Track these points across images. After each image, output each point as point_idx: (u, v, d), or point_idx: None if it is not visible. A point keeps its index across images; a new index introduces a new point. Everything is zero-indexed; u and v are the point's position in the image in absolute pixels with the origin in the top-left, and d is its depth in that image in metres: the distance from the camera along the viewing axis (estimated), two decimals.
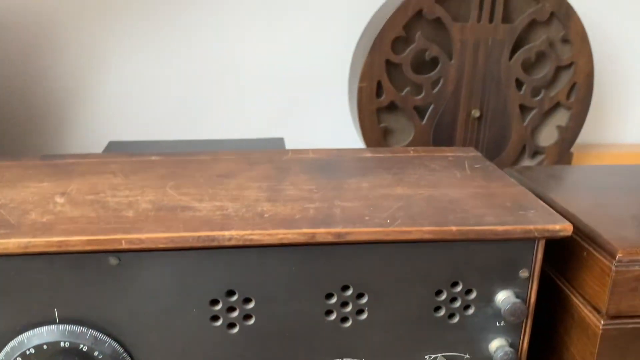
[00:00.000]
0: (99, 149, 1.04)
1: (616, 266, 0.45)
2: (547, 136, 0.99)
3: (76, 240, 0.40)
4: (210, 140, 0.97)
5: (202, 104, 1.09)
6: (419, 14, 0.88)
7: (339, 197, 0.48)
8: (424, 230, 0.43)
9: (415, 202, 0.48)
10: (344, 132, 1.13)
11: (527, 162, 1.00)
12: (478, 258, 0.45)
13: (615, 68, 1.16)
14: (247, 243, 0.42)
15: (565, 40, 0.93)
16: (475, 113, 0.94)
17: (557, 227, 0.44)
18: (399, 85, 0.93)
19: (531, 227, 0.44)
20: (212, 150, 0.60)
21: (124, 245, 0.40)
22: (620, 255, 0.45)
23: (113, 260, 0.42)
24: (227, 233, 0.41)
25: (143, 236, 0.41)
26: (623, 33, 1.14)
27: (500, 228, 0.44)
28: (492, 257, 0.45)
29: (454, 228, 0.43)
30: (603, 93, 1.16)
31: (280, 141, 0.96)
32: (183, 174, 0.53)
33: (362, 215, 0.45)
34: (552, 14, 0.91)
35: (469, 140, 0.96)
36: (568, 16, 0.91)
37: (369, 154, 0.60)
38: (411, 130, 0.95)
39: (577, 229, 0.49)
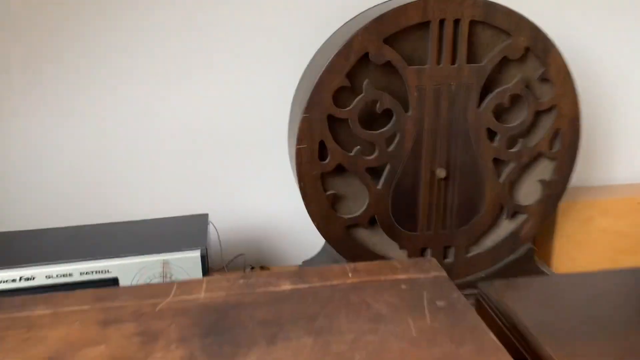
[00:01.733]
0: None
1: None
2: (529, 193, 0.83)
3: None
4: (119, 222, 0.78)
5: (110, 179, 0.91)
6: (364, 58, 0.71)
7: None
8: None
9: None
10: (287, 201, 0.96)
11: (505, 224, 0.83)
12: None
13: (603, 105, 1.00)
14: None
15: (544, 80, 0.77)
16: (441, 173, 0.77)
17: None
18: (346, 145, 0.76)
19: None
20: (61, 295, 0.42)
21: None
22: None
23: None
24: None
25: None
26: (609, 66, 0.98)
27: None
28: None
29: None
30: (589, 132, 1.01)
31: (203, 218, 0.77)
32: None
33: None
34: (527, 50, 0.75)
35: (435, 205, 0.79)
36: (546, 51, 0.75)
37: (288, 286, 0.43)
38: (365, 196, 0.78)
39: None
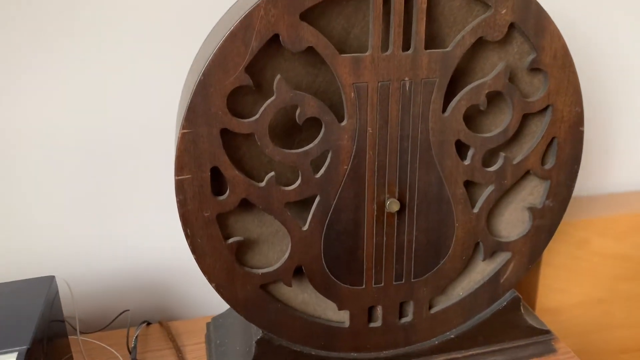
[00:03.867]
0: None
1: None
2: (512, 223, 0.61)
3: None
4: None
5: None
6: (274, 42, 0.47)
7: None
8: None
9: None
10: (178, 234, 0.69)
11: (482, 267, 0.61)
12: None
13: (598, 96, 0.79)
14: None
15: (535, 70, 0.54)
16: (393, 204, 0.54)
17: None
18: (254, 170, 0.52)
19: None
20: None
21: None
22: None
23: None
24: None
25: None
26: (614, 55, 0.76)
27: None
28: None
29: None
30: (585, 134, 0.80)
31: (48, 281, 0.53)
32: None
33: None
34: (511, 27, 0.52)
35: (387, 247, 0.56)
36: (540, 29, 0.52)
37: None
38: (287, 240, 0.54)
39: None
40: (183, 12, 0.65)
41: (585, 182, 0.84)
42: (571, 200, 0.72)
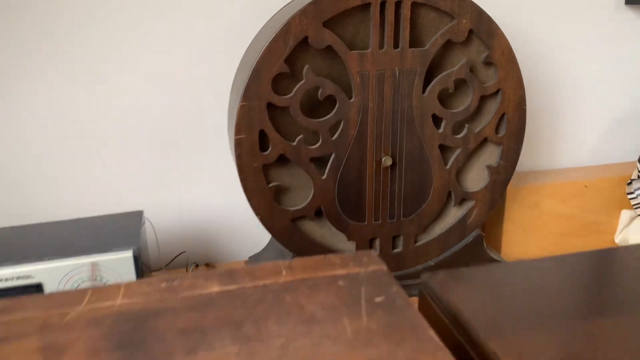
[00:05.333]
0: None
1: None
2: (476, 179, 0.82)
3: None
4: (44, 223, 0.72)
5: (34, 178, 0.85)
6: (304, 42, 0.68)
7: None
8: None
9: None
10: (230, 194, 0.92)
11: (454, 211, 0.82)
12: None
13: (547, 91, 1.00)
14: None
15: (488, 63, 0.76)
16: (387, 160, 0.75)
17: None
18: (288, 134, 0.72)
19: None
20: None
21: None
22: None
23: None
24: None
25: None
26: (553, 49, 0.98)
27: None
28: None
29: None
30: (534, 118, 1.01)
31: (137, 216, 0.73)
32: None
33: None
34: (470, 33, 0.73)
35: (382, 194, 0.77)
36: (490, 33, 0.74)
37: (216, 288, 0.39)
38: (310, 187, 0.75)
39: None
40: (230, 23, 0.86)
41: (539, 160, 1.05)
42: (526, 172, 0.93)
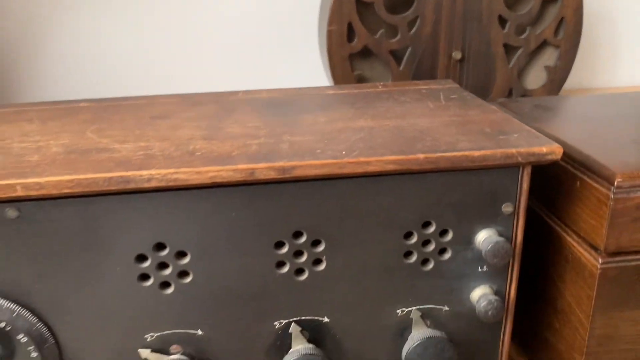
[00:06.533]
0: None
1: (615, 193, 0.38)
2: (535, 78, 0.92)
3: None
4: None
5: (158, 58, 1.02)
6: None
7: (290, 132, 0.41)
8: (386, 160, 0.36)
9: (378, 133, 0.41)
10: (317, 82, 1.05)
11: None
12: (452, 192, 0.38)
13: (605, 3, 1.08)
14: (172, 184, 0.34)
15: None
16: (457, 55, 0.86)
17: (545, 149, 0.37)
18: (372, 28, 0.85)
19: (513, 150, 0.37)
20: (150, 95, 0.52)
21: (20, 192, 0.33)
22: (619, 180, 0.38)
23: (11, 212, 0.35)
24: (145, 173, 0.34)
25: (42, 180, 0.33)
26: None
27: (477, 153, 0.37)
28: (469, 190, 0.39)
29: (421, 156, 0.36)
30: (593, 32, 1.09)
31: None
32: (111, 118, 0.46)
33: (313, 149, 0.38)
34: None
35: None
36: None
37: (331, 91, 0.53)
38: (388, 77, 0.87)
39: (568, 155, 0.42)
40: None
41: (595, 78, 1.13)
42: (580, 91, 1.01)
